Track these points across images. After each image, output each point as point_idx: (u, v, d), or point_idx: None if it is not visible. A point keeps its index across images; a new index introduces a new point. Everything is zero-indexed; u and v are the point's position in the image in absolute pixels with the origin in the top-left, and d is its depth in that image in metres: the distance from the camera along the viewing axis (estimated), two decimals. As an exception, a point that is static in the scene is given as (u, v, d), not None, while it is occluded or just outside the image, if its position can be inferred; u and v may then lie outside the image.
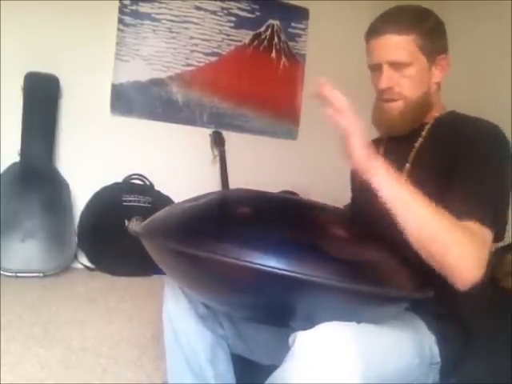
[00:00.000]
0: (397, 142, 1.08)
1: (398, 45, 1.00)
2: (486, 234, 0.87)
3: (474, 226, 0.85)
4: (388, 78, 1.02)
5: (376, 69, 1.05)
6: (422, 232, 0.83)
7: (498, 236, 0.91)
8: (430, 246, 0.83)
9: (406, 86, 1.02)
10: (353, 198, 1.25)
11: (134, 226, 0.79)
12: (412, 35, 0.99)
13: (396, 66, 1.01)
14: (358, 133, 0.86)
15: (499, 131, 0.97)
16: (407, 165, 1.04)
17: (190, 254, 0.74)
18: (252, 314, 0.86)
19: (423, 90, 1.03)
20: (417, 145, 1.05)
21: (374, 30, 1.03)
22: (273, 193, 0.98)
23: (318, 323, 0.74)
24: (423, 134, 1.06)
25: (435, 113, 1.07)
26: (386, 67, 1.02)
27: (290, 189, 2.86)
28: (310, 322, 0.74)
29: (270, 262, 0.69)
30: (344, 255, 0.78)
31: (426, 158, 1.02)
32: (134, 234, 0.87)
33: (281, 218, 0.82)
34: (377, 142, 1.14)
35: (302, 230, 0.80)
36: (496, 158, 0.94)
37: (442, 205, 0.85)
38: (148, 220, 0.91)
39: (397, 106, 1.03)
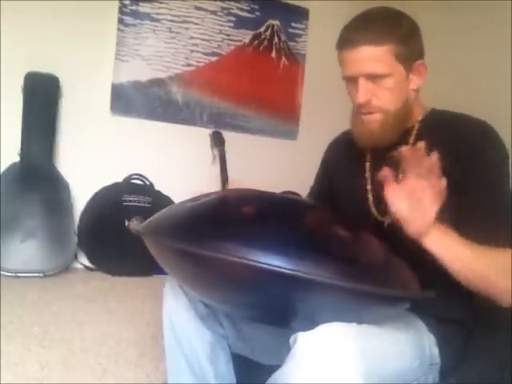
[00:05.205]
0: (383, 151, 1.02)
1: (375, 56, 0.94)
2: None
3: (505, 252, 0.87)
4: (365, 91, 0.97)
5: (351, 81, 1.00)
6: (473, 278, 0.86)
7: None
8: (480, 286, 0.87)
9: (384, 98, 0.97)
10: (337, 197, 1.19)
11: (136, 225, 0.78)
12: (388, 45, 0.94)
13: (373, 78, 0.96)
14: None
15: (493, 131, 0.96)
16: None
17: (193, 253, 0.74)
18: (253, 313, 0.86)
19: (402, 100, 0.99)
20: None
21: (347, 41, 0.97)
22: (275, 193, 0.98)
23: (319, 324, 0.74)
24: (410, 140, 1.02)
25: (417, 115, 1.04)
26: (362, 80, 0.96)
27: (289, 189, 2.86)
28: (311, 323, 0.74)
29: (274, 261, 0.69)
30: (347, 255, 0.78)
31: None
32: (136, 233, 0.86)
33: (284, 218, 0.82)
34: (362, 152, 1.09)
35: (305, 229, 0.80)
36: (503, 168, 0.94)
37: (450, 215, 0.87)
38: (149, 219, 0.91)
39: (375, 118, 0.99)
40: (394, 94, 0.98)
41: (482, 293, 0.88)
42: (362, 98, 0.97)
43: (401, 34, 0.95)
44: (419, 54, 1.00)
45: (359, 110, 1.01)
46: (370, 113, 0.99)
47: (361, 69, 0.96)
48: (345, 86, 1.04)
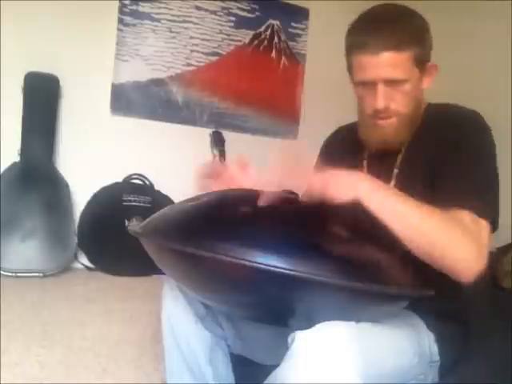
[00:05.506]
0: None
1: (395, 63, 0.93)
2: (481, 223, 0.87)
3: (467, 216, 0.85)
4: (385, 97, 0.95)
5: (367, 85, 0.97)
6: (419, 239, 0.81)
7: (493, 225, 0.91)
8: (429, 251, 0.82)
9: (400, 102, 0.97)
10: None
11: (134, 226, 0.78)
12: (409, 51, 0.93)
13: (391, 83, 0.95)
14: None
15: (480, 119, 0.97)
16: (395, 170, 1.02)
17: (191, 254, 0.74)
18: (252, 313, 0.86)
19: (416, 102, 1.00)
20: (403, 148, 1.03)
21: (364, 45, 0.94)
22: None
23: (317, 322, 0.74)
24: (409, 138, 1.03)
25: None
26: (381, 86, 0.95)
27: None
28: (309, 322, 0.74)
29: (271, 261, 0.69)
30: (344, 254, 0.78)
31: (413, 161, 1.00)
32: (134, 235, 0.86)
33: (281, 217, 0.82)
34: (360, 149, 1.09)
35: (301, 228, 0.80)
36: (483, 148, 0.95)
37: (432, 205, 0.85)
38: (147, 220, 0.91)
39: (391, 123, 0.99)
40: (409, 97, 0.97)
41: (437, 265, 0.82)
42: (381, 103, 0.96)
43: (419, 38, 0.95)
44: (430, 53, 1.00)
45: (376, 115, 0.99)
46: (388, 117, 0.99)
47: (380, 74, 0.94)
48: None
